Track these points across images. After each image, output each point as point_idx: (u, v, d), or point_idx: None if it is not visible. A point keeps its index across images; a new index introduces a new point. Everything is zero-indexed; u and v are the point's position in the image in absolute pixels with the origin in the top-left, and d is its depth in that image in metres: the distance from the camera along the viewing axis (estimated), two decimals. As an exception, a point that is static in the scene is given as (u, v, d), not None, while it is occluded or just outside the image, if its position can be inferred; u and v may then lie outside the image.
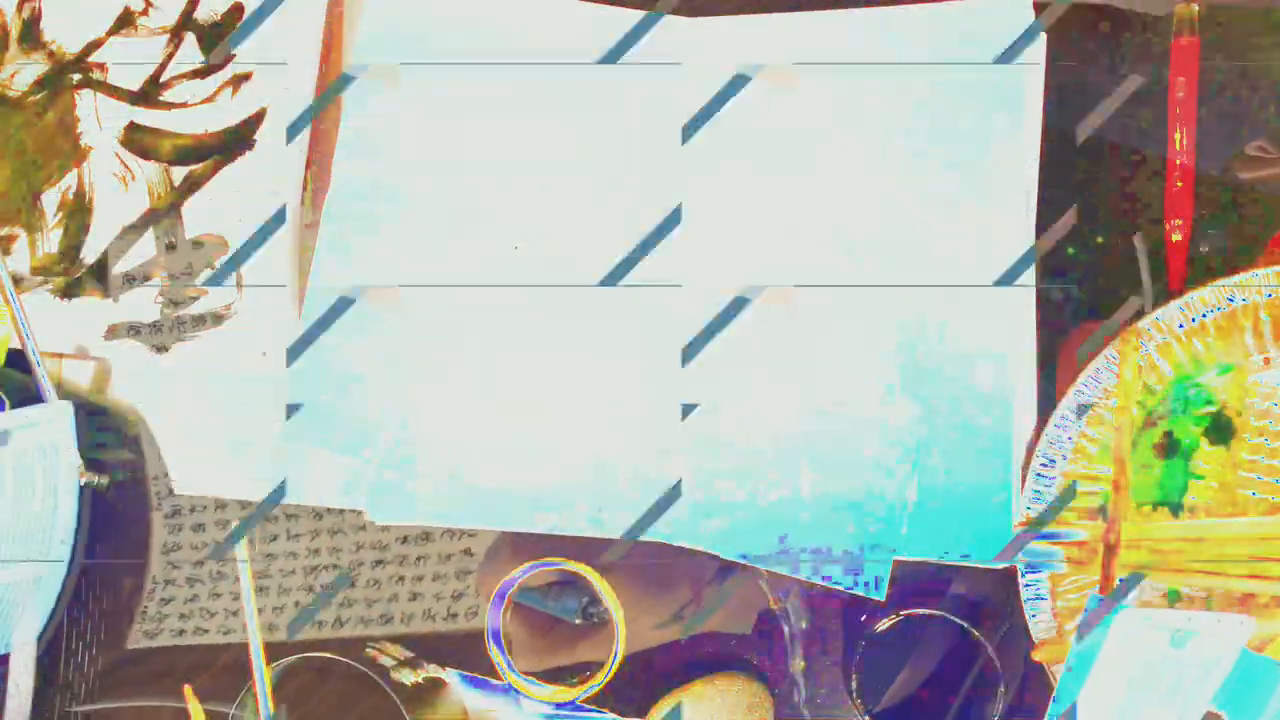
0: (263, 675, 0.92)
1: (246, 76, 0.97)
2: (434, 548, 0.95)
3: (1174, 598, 0.86)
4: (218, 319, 0.96)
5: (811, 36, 0.92)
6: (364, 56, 0.95)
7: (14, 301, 0.95)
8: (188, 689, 0.94)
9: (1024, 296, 0.88)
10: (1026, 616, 0.87)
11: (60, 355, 0.96)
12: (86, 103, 0.98)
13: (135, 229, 0.97)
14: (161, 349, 0.96)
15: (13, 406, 0.94)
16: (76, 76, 0.98)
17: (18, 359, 0.95)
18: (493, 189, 0.93)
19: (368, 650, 0.94)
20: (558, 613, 0.90)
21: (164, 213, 0.97)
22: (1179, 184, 0.90)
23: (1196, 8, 0.91)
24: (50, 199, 0.98)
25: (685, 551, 0.89)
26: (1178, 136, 0.91)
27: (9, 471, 0.92)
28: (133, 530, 0.97)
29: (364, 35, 0.95)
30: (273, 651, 0.93)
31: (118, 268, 0.97)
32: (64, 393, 0.95)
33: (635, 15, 0.94)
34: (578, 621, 0.90)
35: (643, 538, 0.89)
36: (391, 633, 0.95)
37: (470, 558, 0.94)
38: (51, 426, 0.93)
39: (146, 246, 0.97)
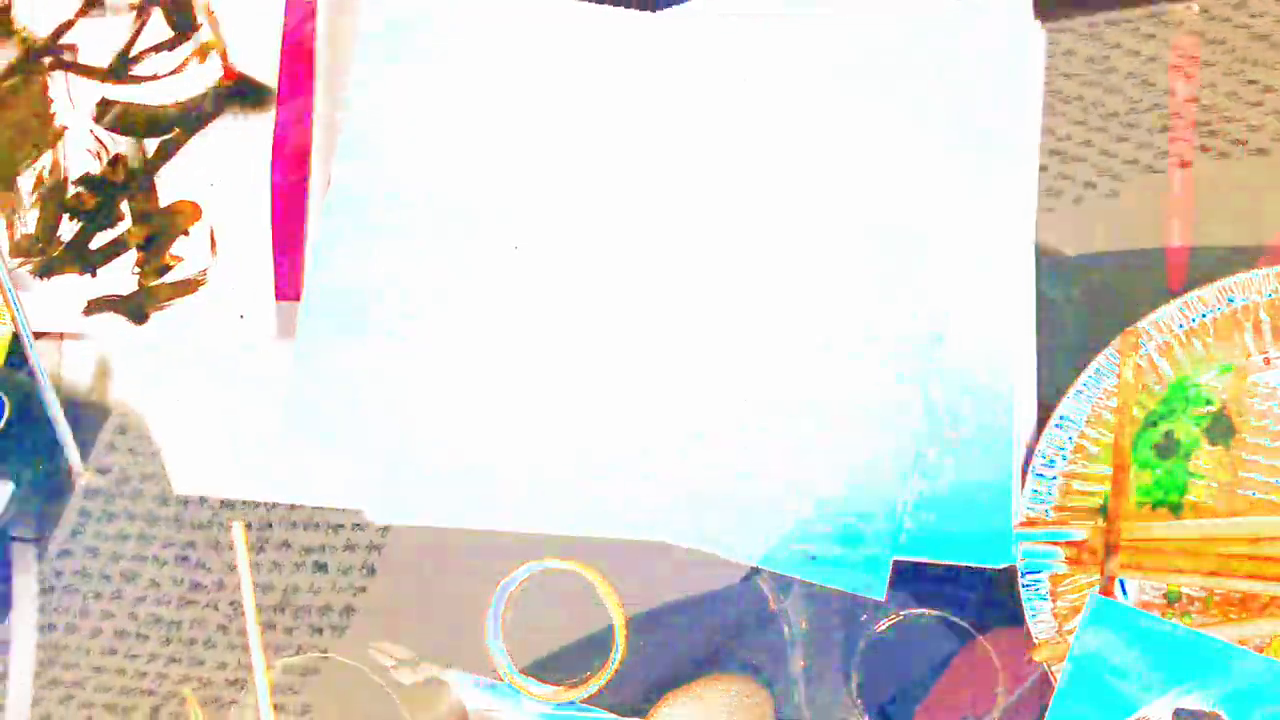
0: (263, 675, 0.92)
1: (213, 45, 0.97)
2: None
3: (1174, 598, 0.86)
4: (193, 285, 0.96)
5: (811, 36, 0.91)
6: (364, 55, 0.95)
7: (14, 302, 0.95)
8: (187, 690, 0.94)
9: (1024, 296, 0.88)
10: (1026, 616, 0.87)
11: (59, 336, 0.97)
12: (59, 84, 0.99)
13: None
14: (140, 319, 0.96)
15: (13, 406, 0.94)
16: (48, 60, 0.99)
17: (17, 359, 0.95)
18: (493, 189, 0.93)
19: (368, 650, 0.94)
20: None
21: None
22: (1178, 184, 0.91)
23: (1196, 8, 0.91)
24: (26, 180, 0.98)
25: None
26: (1178, 136, 0.91)
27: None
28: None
29: (364, 35, 0.95)
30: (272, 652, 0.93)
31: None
32: (63, 391, 0.95)
33: (634, 15, 0.94)
34: None
35: (644, 538, 0.89)
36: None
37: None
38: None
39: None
